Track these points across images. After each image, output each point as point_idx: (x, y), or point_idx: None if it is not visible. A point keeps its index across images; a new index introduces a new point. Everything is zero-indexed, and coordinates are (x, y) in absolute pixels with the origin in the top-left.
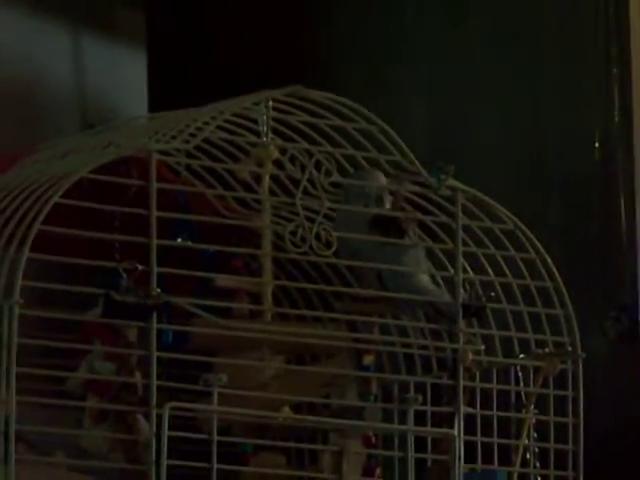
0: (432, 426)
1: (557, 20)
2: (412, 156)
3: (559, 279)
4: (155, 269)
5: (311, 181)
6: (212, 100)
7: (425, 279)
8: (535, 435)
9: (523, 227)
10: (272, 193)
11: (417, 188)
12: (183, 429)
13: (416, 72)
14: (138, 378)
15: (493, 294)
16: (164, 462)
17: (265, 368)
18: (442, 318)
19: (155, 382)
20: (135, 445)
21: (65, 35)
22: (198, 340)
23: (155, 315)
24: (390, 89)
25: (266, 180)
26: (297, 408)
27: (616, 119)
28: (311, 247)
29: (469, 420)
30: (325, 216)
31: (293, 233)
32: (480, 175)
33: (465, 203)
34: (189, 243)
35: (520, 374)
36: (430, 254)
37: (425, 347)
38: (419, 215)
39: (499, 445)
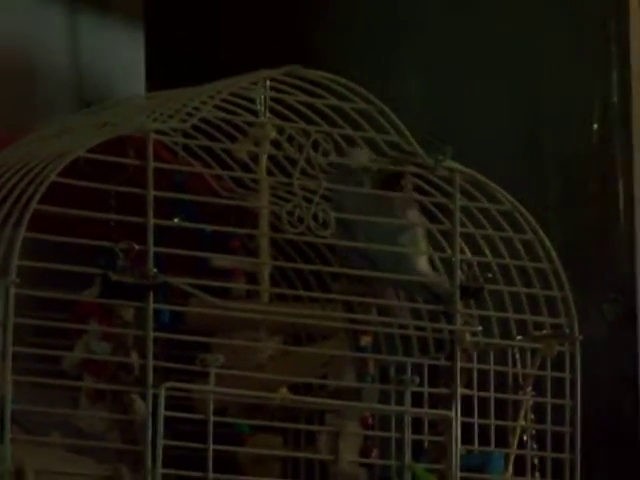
0: (429, 407)
1: (556, 2)
2: (410, 136)
3: (557, 261)
4: (152, 249)
5: (309, 161)
6: (210, 79)
7: (422, 261)
8: (532, 417)
9: (521, 208)
10: (269, 173)
11: (415, 168)
12: (180, 409)
13: (413, 54)
14: (135, 358)
15: (491, 275)
16: (160, 442)
17: (262, 349)
18: (438, 302)
19: (152, 362)
20: (131, 425)
21: (62, 13)
22: (193, 320)
23: (152, 295)
24: (387, 71)
25: (263, 160)
26: (294, 389)
27: (614, 100)
28: (309, 227)
29: (466, 402)
30: (323, 197)
31: (290, 213)
32: (478, 156)
33: (463, 184)
34: (186, 223)
35: (517, 356)
36: (427, 235)
37: (422, 328)
38: (417, 195)
39: (496, 427)
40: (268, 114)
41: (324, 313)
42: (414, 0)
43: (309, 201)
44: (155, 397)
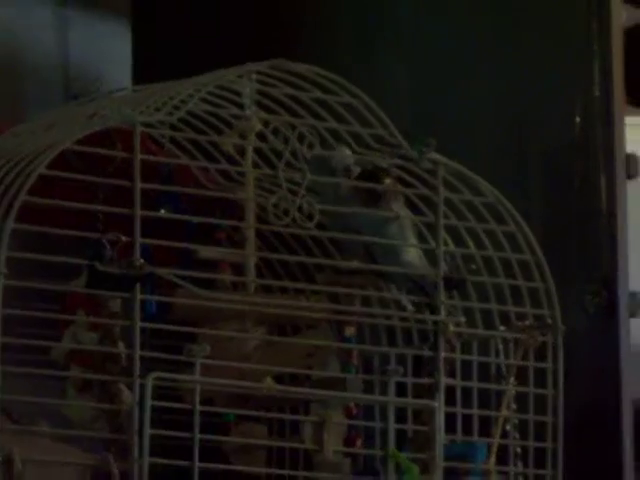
0: (413, 397)
1: None
2: (394, 129)
3: (539, 252)
4: (139, 240)
5: (294, 153)
6: (196, 73)
7: (411, 252)
8: (515, 407)
9: (504, 200)
10: (255, 165)
11: (399, 161)
12: (166, 399)
13: (398, 43)
14: (121, 348)
15: (474, 267)
16: (147, 432)
17: (247, 339)
18: (422, 292)
19: (138, 352)
20: (118, 415)
21: (49, 6)
22: (179, 311)
23: (139, 286)
24: (372, 60)
25: (249, 152)
26: (279, 379)
27: (596, 93)
28: (294, 219)
29: (449, 392)
30: (308, 189)
31: (276, 205)
32: (461, 148)
33: (446, 176)
34: (172, 215)
35: (500, 346)
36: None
37: (406, 319)
38: (400, 187)
39: (479, 416)
40: (254, 107)
41: (309, 304)
42: None
43: (295, 193)
44: (142, 387)
